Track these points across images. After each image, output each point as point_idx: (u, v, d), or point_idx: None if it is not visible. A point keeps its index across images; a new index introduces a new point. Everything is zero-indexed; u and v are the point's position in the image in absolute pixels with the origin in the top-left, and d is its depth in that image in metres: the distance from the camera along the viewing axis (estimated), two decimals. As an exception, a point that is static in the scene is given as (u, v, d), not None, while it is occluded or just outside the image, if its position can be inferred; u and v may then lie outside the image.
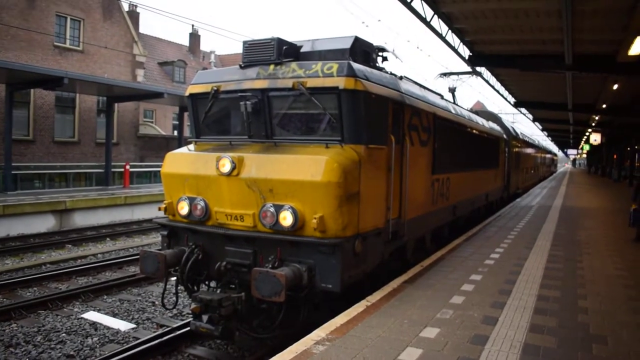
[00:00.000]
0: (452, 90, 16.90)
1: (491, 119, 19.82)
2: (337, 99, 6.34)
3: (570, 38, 13.66)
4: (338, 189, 5.90)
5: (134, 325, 8.30)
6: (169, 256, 6.67)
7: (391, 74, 8.12)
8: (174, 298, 7.83)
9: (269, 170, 6.20)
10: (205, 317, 6.08)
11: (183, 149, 7.57)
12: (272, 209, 6.14)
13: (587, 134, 48.28)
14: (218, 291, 6.72)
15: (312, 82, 6.43)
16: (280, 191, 6.12)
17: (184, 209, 6.87)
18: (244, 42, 7.23)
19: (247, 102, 6.71)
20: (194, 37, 46.78)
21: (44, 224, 16.92)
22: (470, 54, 17.72)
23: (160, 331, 7.85)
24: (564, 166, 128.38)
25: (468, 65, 18.78)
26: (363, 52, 7.72)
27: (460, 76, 17.49)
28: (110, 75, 27.17)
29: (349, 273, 6.17)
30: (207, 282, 7.30)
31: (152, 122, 37.34)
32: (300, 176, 5.99)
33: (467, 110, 14.87)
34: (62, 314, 8.78)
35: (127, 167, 24.90)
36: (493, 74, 23.15)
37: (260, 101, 6.74)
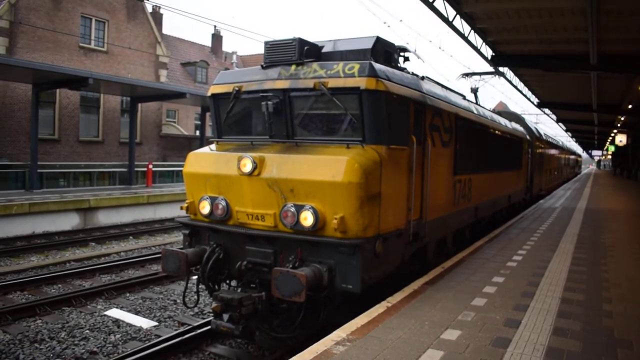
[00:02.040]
0: (475, 91, 16.76)
1: (514, 119, 19.58)
2: (358, 99, 6.32)
3: (595, 37, 13.45)
4: (359, 189, 5.88)
5: (155, 323, 8.39)
6: (190, 255, 6.72)
7: (413, 74, 8.07)
8: (195, 297, 7.89)
9: (290, 171, 6.21)
10: (225, 316, 6.11)
11: (205, 149, 7.61)
12: (292, 209, 6.15)
13: (612, 135, 47.50)
14: (239, 290, 6.75)
15: (333, 83, 6.42)
16: (301, 191, 6.12)
17: (205, 208, 6.92)
18: (266, 43, 7.25)
19: (269, 102, 6.73)
20: (216, 37, 47.16)
21: (69, 222, 17.23)
22: (493, 54, 17.57)
23: (181, 329, 7.92)
24: (589, 167, 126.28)
25: (491, 65, 18.62)
26: (384, 52, 7.69)
27: (482, 76, 17.32)
28: (133, 76, 27.53)
29: (369, 274, 6.16)
30: (227, 281, 7.35)
31: (174, 122, 37.76)
32: (321, 176, 5.99)
33: (489, 110, 14.72)
34: (85, 311, 8.93)
35: (150, 166, 25.21)
36: (516, 74, 22.91)
37: (281, 101, 6.76)
